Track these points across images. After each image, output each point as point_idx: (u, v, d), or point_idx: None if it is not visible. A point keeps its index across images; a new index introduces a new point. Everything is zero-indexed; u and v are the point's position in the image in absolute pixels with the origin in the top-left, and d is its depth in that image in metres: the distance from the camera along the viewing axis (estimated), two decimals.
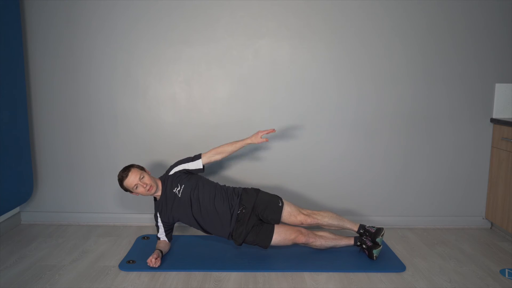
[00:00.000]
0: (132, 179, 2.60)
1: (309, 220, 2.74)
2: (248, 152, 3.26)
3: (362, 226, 2.83)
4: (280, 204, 2.74)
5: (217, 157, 2.79)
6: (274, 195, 2.81)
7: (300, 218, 2.74)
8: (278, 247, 2.83)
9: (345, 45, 3.17)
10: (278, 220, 2.71)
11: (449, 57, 3.19)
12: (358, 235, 2.86)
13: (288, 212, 2.74)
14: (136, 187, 2.61)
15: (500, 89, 3.22)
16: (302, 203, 3.24)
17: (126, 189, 2.66)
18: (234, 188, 2.79)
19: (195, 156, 2.80)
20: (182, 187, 2.68)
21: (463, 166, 3.31)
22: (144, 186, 2.60)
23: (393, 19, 3.14)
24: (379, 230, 2.73)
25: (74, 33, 3.13)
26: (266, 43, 3.17)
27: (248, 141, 2.79)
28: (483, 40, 3.18)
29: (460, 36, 3.17)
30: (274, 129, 2.82)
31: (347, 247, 2.85)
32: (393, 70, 3.20)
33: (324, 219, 2.79)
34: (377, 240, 2.71)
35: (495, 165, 3.22)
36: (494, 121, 3.21)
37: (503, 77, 3.22)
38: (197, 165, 2.78)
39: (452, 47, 3.18)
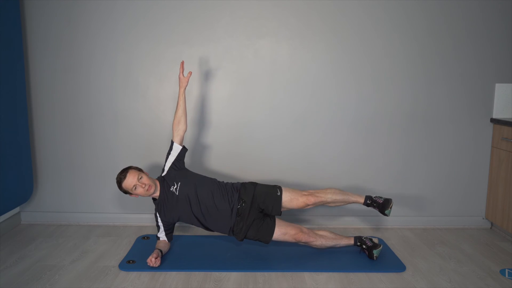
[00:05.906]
0: (131, 180, 2.59)
1: (312, 199, 2.71)
2: (248, 152, 3.26)
3: (368, 197, 2.78)
4: (279, 194, 2.71)
5: (180, 126, 2.76)
6: (272, 185, 2.78)
7: (302, 199, 2.70)
8: (278, 245, 2.83)
9: (345, 45, 3.17)
10: (279, 209, 2.68)
11: (449, 57, 3.19)
12: (365, 204, 2.79)
13: (289, 198, 2.71)
14: (135, 188, 2.60)
15: (500, 89, 3.22)
16: None
17: (125, 191, 2.65)
18: (233, 184, 2.78)
19: (169, 146, 2.78)
20: (179, 184, 2.68)
21: (463, 166, 3.31)
22: (143, 186, 2.59)
23: (393, 19, 3.14)
24: (387, 201, 2.69)
25: (74, 33, 3.14)
26: (266, 43, 3.17)
27: (181, 90, 2.75)
28: (483, 40, 3.18)
29: (460, 36, 3.17)
30: (190, 72, 2.80)
31: (347, 247, 2.85)
32: (393, 70, 3.20)
33: (327, 195, 2.74)
34: (386, 212, 2.67)
35: (495, 165, 3.22)
36: (494, 121, 3.21)
37: (503, 77, 3.22)
38: (176, 149, 2.75)
39: (452, 47, 3.18)
